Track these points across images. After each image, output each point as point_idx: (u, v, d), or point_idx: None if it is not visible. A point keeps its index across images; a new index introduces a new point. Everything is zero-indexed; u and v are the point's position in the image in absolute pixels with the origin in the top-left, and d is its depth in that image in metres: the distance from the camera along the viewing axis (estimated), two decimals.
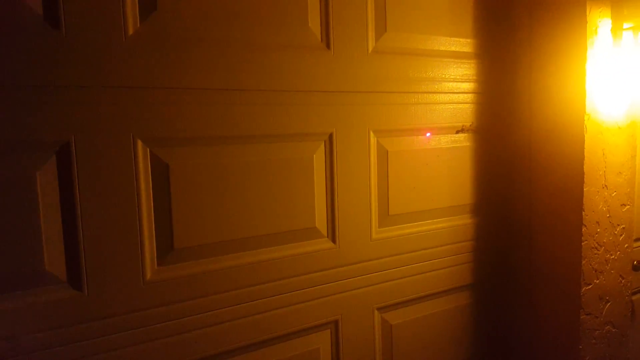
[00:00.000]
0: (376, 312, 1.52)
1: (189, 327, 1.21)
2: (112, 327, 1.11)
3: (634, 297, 1.92)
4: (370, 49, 1.41)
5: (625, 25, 1.57)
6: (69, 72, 1.02)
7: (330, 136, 1.38)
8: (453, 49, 1.58)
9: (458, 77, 1.60)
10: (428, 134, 1.57)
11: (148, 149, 1.13)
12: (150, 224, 1.14)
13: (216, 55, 1.19)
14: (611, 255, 1.65)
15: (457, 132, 1.63)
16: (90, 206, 1.06)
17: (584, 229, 1.56)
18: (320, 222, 1.39)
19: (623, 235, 1.68)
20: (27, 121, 0.99)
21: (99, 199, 1.07)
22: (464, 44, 1.61)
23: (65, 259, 1.06)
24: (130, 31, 1.08)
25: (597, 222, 1.59)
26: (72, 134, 1.03)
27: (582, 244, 1.56)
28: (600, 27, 1.52)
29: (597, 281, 1.62)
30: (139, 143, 1.11)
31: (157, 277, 1.16)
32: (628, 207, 1.68)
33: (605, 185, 1.60)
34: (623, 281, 1.71)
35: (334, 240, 1.41)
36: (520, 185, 1.74)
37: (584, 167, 1.53)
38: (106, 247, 1.09)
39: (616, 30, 1.55)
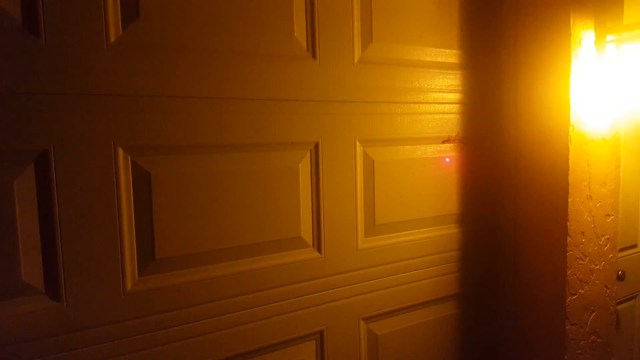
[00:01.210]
0: (362, 322, 1.51)
1: (171, 338, 1.18)
2: (91, 338, 1.08)
3: (618, 307, 1.93)
4: (356, 59, 1.42)
5: (609, 37, 1.59)
6: (49, 79, 1.00)
7: (316, 145, 1.37)
8: (439, 59, 1.59)
9: (444, 87, 1.61)
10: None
11: (129, 157, 1.11)
12: (131, 233, 1.12)
13: (200, 64, 1.18)
14: (596, 265, 1.66)
15: (443, 142, 1.63)
16: (69, 215, 1.04)
17: (568, 239, 1.56)
18: (306, 231, 1.38)
19: (608, 246, 1.69)
20: (4, 129, 0.97)
21: (78, 208, 1.05)
22: (450, 55, 1.62)
23: (43, 269, 1.04)
24: (112, 38, 1.07)
25: (582, 233, 1.60)
26: (51, 142, 1.02)
27: (567, 254, 1.57)
28: (584, 39, 1.54)
29: (582, 291, 1.63)
30: (120, 151, 1.09)
31: (138, 288, 1.14)
32: (612, 217, 1.69)
33: (590, 196, 1.61)
34: (608, 291, 1.72)
35: (319, 250, 1.40)
36: (506, 195, 1.75)
37: (569, 177, 1.54)
38: (85, 257, 1.07)
39: (599, 43, 1.57)
